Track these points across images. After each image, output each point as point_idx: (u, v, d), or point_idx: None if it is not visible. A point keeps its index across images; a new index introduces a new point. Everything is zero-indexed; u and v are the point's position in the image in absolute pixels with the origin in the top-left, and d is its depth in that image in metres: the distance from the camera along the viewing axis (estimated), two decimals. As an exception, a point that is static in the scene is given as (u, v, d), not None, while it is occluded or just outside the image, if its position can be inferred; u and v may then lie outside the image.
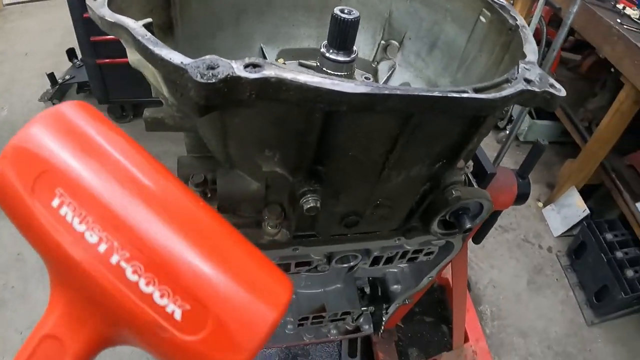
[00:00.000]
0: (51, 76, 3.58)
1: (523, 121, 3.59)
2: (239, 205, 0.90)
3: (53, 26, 4.65)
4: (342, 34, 0.94)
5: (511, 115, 3.73)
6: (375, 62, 1.31)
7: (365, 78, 1.30)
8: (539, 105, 0.73)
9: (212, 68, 0.52)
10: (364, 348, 2.25)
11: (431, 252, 1.18)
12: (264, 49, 1.25)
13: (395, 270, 1.44)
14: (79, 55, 3.52)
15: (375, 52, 1.31)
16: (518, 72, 0.72)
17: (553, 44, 1.37)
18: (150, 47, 0.58)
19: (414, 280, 1.36)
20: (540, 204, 3.36)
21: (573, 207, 3.10)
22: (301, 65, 1.28)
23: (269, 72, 0.53)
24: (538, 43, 3.24)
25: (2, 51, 4.15)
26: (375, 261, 1.14)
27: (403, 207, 0.93)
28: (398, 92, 0.57)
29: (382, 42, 1.29)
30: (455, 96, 0.60)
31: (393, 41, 1.28)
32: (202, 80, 0.50)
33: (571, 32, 3.59)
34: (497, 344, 2.59)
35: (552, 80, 0.74)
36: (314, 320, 1.40)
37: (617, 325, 2.77)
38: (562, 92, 0.72)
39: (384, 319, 1.46)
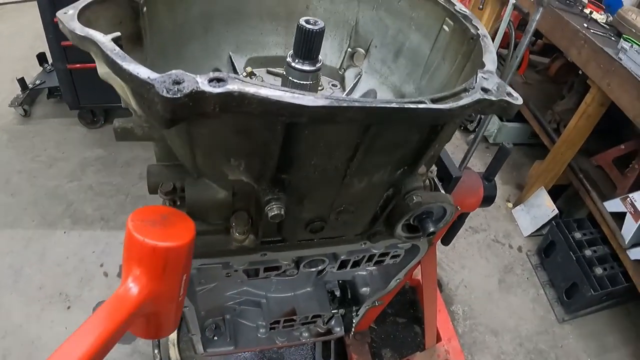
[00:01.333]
0: (21, 81, 3.51)
1: (492, 124, 3.67)
2: (207, 212, 0.91)
3: (23, 30, 4.56)
4: (307, 44, 0.95)
5: (480, 118, 3.80)
6: (343, 69, 1.33)
7: (333, 85, 1.32)
8: (496, 113, 0.76)
9: (178, 83, 0.54)
10: (338, 350, 2.27)
11: (397, 255, 1.21)
12: (232, 57, 1.26)
13: (364, 273, 1.46)
14: (50, 60, 3.46)
15: (342, 59, 1.33)
16: (476, 82, 0.74)
17: (517, 50, 1.40)
18: (119, 61, 0.59)
19: (383, 283, 1.38)
20: (510, 205, 3.43)
21: (542, 207, 3.18)
22: (269, 72, 1.30)
23: (232, 86, 0.55)
24: (507, 47, 3.31)
25: (-31, 57, 4.06)
26: (343, 265, 1.16)
27: (366, 212, 0.95)
28: (356, 104, 0.59)
29: (349, 49, 1.31)
30: (412, 107, 0.62)
31: (359, 49, 1.30)
32: (168, 95, 0.52)
33: (540, 35, 3.69)
34: (470, 342, 2.63)
35: (509, 89, 0.77)
36: (285, 324, 1.41)
37: (588, 321, 2.85)
38: (519, 101, 0.75)
39: (354, 321, 1.48)
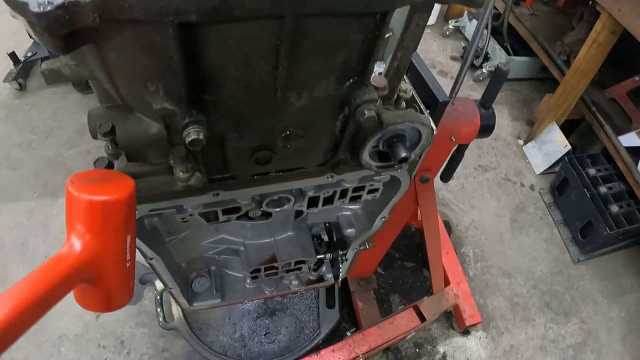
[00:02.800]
0: (12, 55, 3.46)
1: (499, 57, 3.49)
2: (145, 151, 0.83)
3: (12, 2, 4.47)
4: None
5: (487, 53, 3.62)
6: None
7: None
8: (459, 1, 0.65)
9: None
10: (343, 298, 2.23)
11: (375, 190, 1.11)
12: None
13: (348, 213, 1.38)
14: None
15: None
16: None
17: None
18: None
19: (368, 222, 1.30)
20: (521, 142, 3.29)
21: (554, 143, 3.03)
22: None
23: None
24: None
25: (-36, 34, 3.99)
26: (313, 202, 1.07)
27: (321, 136, 0.85)
28: None
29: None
30: None
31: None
32: (38, 10, 0.47)
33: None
34: (482, 285, 2.56)
35: None
36: (267, 272, 1.35)
37: (604, 261, 2.75)
38: None
39: (341, 266, 1.41)
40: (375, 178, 1.07)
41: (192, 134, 0.65)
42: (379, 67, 0.81)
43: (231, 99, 0.68)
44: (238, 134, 0.76)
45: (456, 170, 2.99)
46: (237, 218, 1.02)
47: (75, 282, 0.67)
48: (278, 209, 1.03)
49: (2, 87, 3.48)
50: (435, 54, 4.04)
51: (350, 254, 1.42)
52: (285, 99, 0.70)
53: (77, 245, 0.65)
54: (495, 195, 2.99)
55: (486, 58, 3.64)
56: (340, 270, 1.42)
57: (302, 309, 2.18)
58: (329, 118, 0.81)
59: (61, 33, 0.49)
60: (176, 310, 2.09)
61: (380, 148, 0.91)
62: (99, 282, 0.71)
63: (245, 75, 0.65)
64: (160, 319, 2.07)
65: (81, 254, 0.65)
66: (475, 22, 3.66)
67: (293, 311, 2.18)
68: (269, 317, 2.17)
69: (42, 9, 0.46)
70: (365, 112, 0.73)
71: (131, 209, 0.69)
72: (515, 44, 3.54)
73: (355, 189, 1.08)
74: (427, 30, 4.27)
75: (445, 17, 4.28)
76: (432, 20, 4.30)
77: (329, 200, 1.08)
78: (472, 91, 3.66)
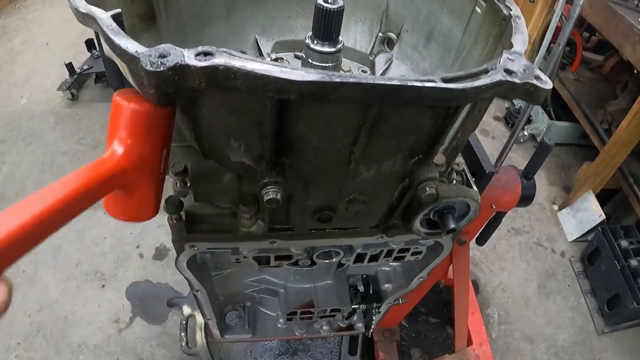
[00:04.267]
0: (69, 66, 3.62)
1: (541, 122, 3.52)
2: (213, 194, 0.89)
3: (72, 16, 4.71)
4: (326, 24, 0.92)
5: (530, 116, 3.65)
6: (373, 55, 1.28)
7: (362, 71, 1.27)
8: (522, 98, 0.69)
9: (163, 56, 0.52)
10: (365, 346, 2.23)
11: (419, 252, 1.15)
12: (258, 40, 1.24)
13: (387, 269, 1.41)
14: (97, 46, 3.55)
15: (373, 44, 1.28)
16: (499, 62, 0.68)
17: (559, 39, 1.31)
18: (112, 36, 0.59)
19: (406, 280, 1.33)
20: (556, 207, 3.28)
21: (589, 212, 3.01)
22: (297, 57, 1.27)
23: (218, 60, 0.53)
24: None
25: (24, 41, 4.22)
26: (359, 258, 1.11)
27: (380, 203, 0.90)
28: (351, 80, 0.54)
29: (380, 34, 1.27)
30: (416, 85, 0.57)
31: (390, 33, 1.25)
32: (151, 69, 0.51)
33: (594, 31, 3.50)
34: (504, 348, 2.53)
35: (537, 72, 0.70)
36: (302, 316, 1.38)
37: (628, 335, 2.68)
38: (548, 85, 0.69)
39: (373, 318, 1.43)
40: (420, 242, 1.11)
41: (271, 193, 0.70)
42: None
43: (308, 165, 0.74)
44: (306, 193, 0.81)
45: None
46: (292, 264, 1.07)
47: (113, 186, 0.70)
48: (327, 261, 1.07)
49: (55, 94, 3.64)
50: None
51: (384, 308, 1.44)
52: (356, 170, 0.75)
53: (119, 150, 0.68)
54: (526, 259, 2.97)
55: (529, 121, 3.67)
56: (373, 321, 1.44)
57: (324, 352, 2.19)
58: (390, 188, 0.86)
59: (166, 91, 0.54)
60: (200, 337, 2.12)
61: (431, 217, 0.95)
62: (133, 189, 0.74)
63: (325, 146, 0.70)
64: (184, 344, 2.10)
65: (122, 158, 0.68)
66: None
67: (315, 353, 2.18)
68: (290, 356, 2.18)
69: (154, 68, 0.51)
70: (427, 190, 0.78)
71: (171, 121, 0.72)
72: (558, 109, 3.57)
73: (401, 250, 1.12)
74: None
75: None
76: (550, 84, 4.32)
77: (374, 258, 1.12)
78: (512, 152, 3.67)
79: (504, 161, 1.46)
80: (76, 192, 0.62)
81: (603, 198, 3.07)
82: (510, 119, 3.78)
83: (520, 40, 0.80)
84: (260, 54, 1.22)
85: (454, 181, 1.05)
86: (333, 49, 0.97)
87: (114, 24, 0.61)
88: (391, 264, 1.38)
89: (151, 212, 0.81)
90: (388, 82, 0.55)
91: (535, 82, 0.67)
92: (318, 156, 0.72)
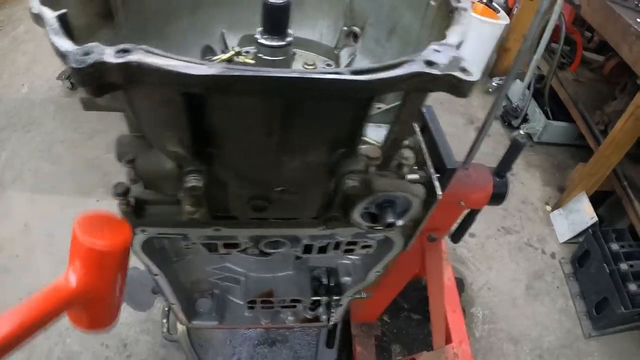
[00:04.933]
0: (70, 55, 3.66)
1: (538, 121, 3.49)
2: (159, 182, 0.91)
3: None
4: (273, 19, 0.93)
5: (527, 115, 3.62)
6: (338, 49, 1.29)
7: (327, 65, 1.28)
8: (444, 90, 0.69)
9: (86, 54, 0.56)
10: (344, 340, 2.23)
11: (368, 246, 1.15)
12: (225, 35, 1.24)
13: (347, 262, 1.42)
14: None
15: (338, 38, 1.29)
16: (421, 54, 0.68)
17: (526, 34, 1.31)
18: (51, 35, 0.62)
19: (363, 274, 1.33)
20: (549, 208, 3.25)
21: (581, 213, 2.99)
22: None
23: (133, 57, 0.55)
24: (557, 41, 3.13)
25: (27, 30, 4.27)
26: (308, 250, 1.12)
27: (313, 194, 0.91)
28: (250, 73, 0.55)
29: (345, 28, 1.27)
30: (318, 77, 0.58)
31: (355, 27, 1.25)
32: (74, 66, 0.54)
33: (593, 31, 3.46)
34: (486, 348, 2.52)
35: (465, 65, 0.69)
36: (263, 305, 1.40)
37: (616, 339, 2.65)
38: (473, 77, 0.68)
39: (334, 310, 1.44)
40: (369, 235, 1.11)
41: (192, 181, 0.72)
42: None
43: (231, 154, 0.75)
44: (238, 182, 0.82)
45: (479, 230, 3.00)
46: (241, 252, 1.08)
47: (69, 306, 0.78)
48: (273, 251, 1.08)
49: (55, 83, 3.69)
50: (476, 110, 4.06)
51: (344, 301, 1.45)
52: (279, 160, 0.76)
53: (73, 279, 0.75)
54: (515, 259, 2.96)
55: (525, 119, 3.64)
56: (333, 313, 1.45)
57: (302, 344, 2.20)
58: (321, 180, 0.86)
59: (93, 85, 0.57)
60: (181, 324, 2.15)
61: (373, 210, 0.95)
62: (88, 307, 0.82)
63: (243, 138, 0.71)
64: (165, 330, 2.13)
65: (77, 286, 0.75)
66: (519, 82, 3.68)
67: (293, 345, 2.20)
68: (268, 347, 2.20)
69: (77, 65, 0.54)
70: (348, 182, 0.78)
71: (125, 256, 0.81)
72: (556, 108, 3.54)
73: (349, 243, 1.12)
74: (469, 84, 4.31)
75: (490, 74, 4.31)
76: (476, 75, 4.30)
77: (323, 250, 1.13)
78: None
79: (472, 157, 1.45)
80: (33, 318, 0.71)
81: (597, 200, 3.04)
82: (506, 118, 3.75)
83: (457, 32, 0.79)
84: (226, 48, 1.23)
85: (406, 176, 1.05)
86: (282, 43, 0.98)
87: (56, 24, 0.65)
88: (350, 257, 1.39)
89: (108, 322, 0.91)
90: (289, 75, 0.56)
91: (458, 74, 0.66)
92: (239, 146, 0.73)
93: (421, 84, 0.66)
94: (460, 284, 2.76)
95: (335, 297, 1.38)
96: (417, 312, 2.55)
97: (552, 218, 3.18)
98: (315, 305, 1.46)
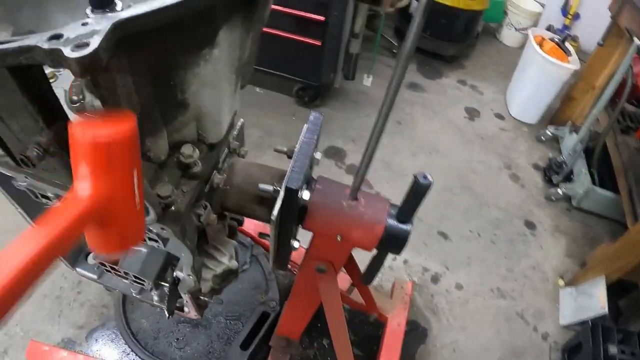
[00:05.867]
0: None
1: (580, 185, 3.04)
2: None
3: None
4: None
5: (571, 173, 3.16)
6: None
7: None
8: (50, 65, 0.58)
9: None
10: (262, 347, 2.08)
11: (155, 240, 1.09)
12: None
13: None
14: None
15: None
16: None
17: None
18: None
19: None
20: (562, 283, 2.80)
21: (593, 300, 2.53)
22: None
23: None
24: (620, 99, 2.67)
25: None
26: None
27: None
28: None
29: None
30: None
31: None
32: None
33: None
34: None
35: (93, 41, 0.57)
36: (112, 270, 1.37)
37: None
38: (82, 52, 0.55)
39: (167, 300, 1.32)
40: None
41: None
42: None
43: None
44: None
45: (470, 282, 2.66)
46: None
47: (85, 226, 0.64)
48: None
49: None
50: (518, 156, 3.65)
51: (184, 296, 1.32)
52: None
53: (86, 184, 0.63)
54: (498, 327, 2.56)
55: (568, 178, 3.18)
56: (167, 302, 1.33)
57: (220, 335, 2.10)
58: None
59: None
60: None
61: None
62: (109, 223, 0.69)
63: None
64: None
65: (89, 198, 0.63)
66: (575, 135, 3.24)
67: (212, 332, 2.11)
68: (190, 327, 2.13)
69: None
70: None
71: (135, 147, 0.67)
72: (606, 174, 3.05)
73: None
74: (523, 129, 3.89)
75: (550, 120, 3.85)
76: (532, 118, 3.91)
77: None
78: (538, 208, 3.22)
79: (359, 186, 1.21)
80: (45, 243, 0.57)
81: (619, 289, 2.57)
82: (548, 172, 3.31)
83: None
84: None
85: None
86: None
87: None
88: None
89: (135, 239, 0.77)
90: None
91: (67, 50, 0.54)
92: None
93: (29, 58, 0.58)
94: (422, 333, 2.46)
95: (171, 287, 1.28)
96: (360, 348, 2.31)
97: (560, 294, 2.73)
98: (157, 288, 1.35)
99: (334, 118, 3.67)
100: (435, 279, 2.71)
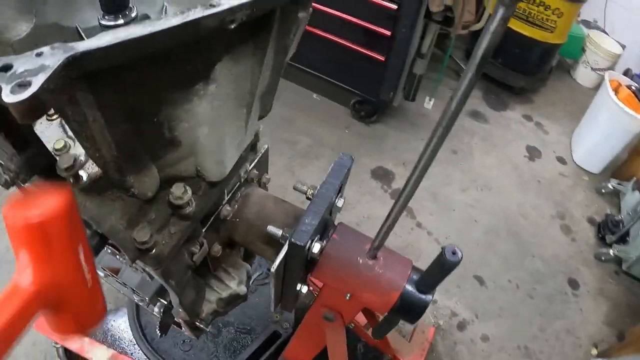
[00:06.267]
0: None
1: (636, 249, 2.84)
2: None
3: None
4: None
5: (627, 234, 2.96)
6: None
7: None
8: None
9: None
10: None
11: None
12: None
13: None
14: None
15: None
16: None
17: None
18: None
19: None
20: (595, 352, 2.63)
21: (626, 378, 2.37)
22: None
23: None
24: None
25: None
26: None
27: None
28: None
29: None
30: None
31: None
32: None
33: None
34: None
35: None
36: (113, 277, 1.37)
37: None
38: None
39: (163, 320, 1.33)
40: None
41: None
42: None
43: None
44: None
45: (497, 337, 2.56)
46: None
47: (31, 316, 0.59)
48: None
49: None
50: (574, 207, 3.45)
51: (177, 314, 1.30)
52: None
53: (26, 276, 0.58)
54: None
55: (623, 239, 2.98)
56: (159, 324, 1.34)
57: (227, 346, 2.10)
58: None
59: None
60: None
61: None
62: (60, 307, 0.64)
63: None
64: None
65: (33, 285, 0.58)
66: (638, 194, 3.03)
67: (220, 342, 2.10)
68: (200, 333, 2.15)
69: None
70: None
71: (74, 220, 0.62)
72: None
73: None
74: (583, 177, 3.66)
75: (614, 173, 3.60)
76: (595, 167, 3.69)
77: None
78: (585, 266, 3.03)
79: (380, 245, 1.13)
80: None
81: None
82: (603, 229, 3.12)
83: None
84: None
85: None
86: (122, 22, 0.87)
87: None
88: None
89: (94, 319, 0.72)
90: None
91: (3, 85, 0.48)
92: None
93: None
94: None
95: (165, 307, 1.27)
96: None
97: (591, 365, 2.59)
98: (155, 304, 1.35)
99: (388, 137, 3.60)
100: (461, 326, 2.62)
